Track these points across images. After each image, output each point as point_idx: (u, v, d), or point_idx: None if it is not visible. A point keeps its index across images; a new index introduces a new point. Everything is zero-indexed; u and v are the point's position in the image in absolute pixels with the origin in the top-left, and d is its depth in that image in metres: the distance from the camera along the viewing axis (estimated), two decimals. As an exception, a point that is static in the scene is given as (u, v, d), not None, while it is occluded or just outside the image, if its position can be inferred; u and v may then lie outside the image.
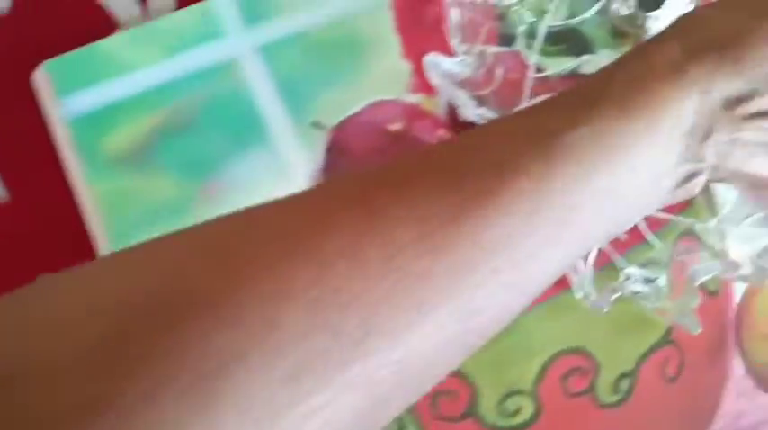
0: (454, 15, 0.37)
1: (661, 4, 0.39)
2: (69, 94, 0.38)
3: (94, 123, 0.38)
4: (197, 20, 0.39)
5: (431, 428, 0.37)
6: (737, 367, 0.38)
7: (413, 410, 0.37)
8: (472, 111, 0.36)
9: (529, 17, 0.39)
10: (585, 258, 0.36)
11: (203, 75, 0.38)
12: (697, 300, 0.35)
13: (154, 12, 0.39)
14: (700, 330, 0.35)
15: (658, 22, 0.39)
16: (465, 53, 0.38)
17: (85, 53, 0.38)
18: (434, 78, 0.36)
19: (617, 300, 0.36)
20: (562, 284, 0.36)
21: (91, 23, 0.39)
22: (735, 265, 0.36)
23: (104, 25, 0.39)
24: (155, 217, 0.37)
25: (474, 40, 0.38)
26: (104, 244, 0.37)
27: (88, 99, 0.38)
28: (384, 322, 0.21)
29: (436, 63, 0.36)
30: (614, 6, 0.39)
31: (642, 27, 0.39)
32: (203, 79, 0.38)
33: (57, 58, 0.38)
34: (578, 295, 0.36)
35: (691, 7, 0.39)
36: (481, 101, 0.38)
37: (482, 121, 0.36)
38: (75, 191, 0.38)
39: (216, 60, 0.38)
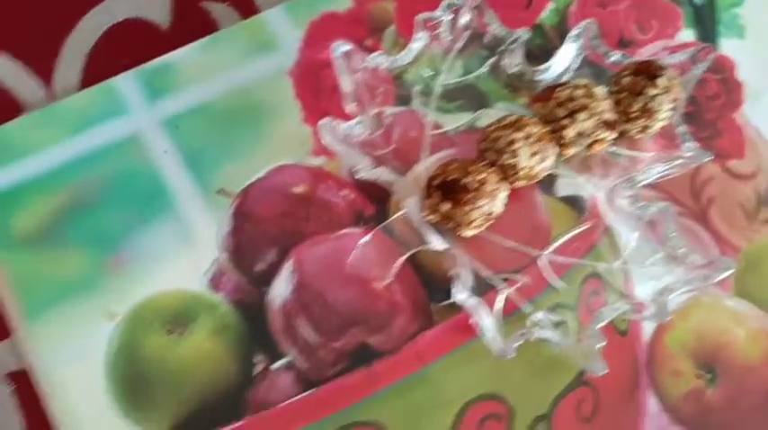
0: (344, 82, 0.38)
1: (548, 57, 0.40)
2: (-23, 177, 0.39)
3: (3, 204, 0.39)
4: (101, 98, 0.40)
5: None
6: (652, 404, 0.38)
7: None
8: (368, 173, 0.36)
9: (423, 77, 0.40)
10: (492, 305, 0.37)
11: (109, 151, 0.39)
12: (602, 343, 0.35)
13: (58, 93, 0.41)
14: (606, 372, 0.35)
15: (548, 73, 0.40)
16: (361, 115, 0.39)
17: (-8, 136, 0.39)
18: (328, 141, 0.37)
19: (529, 344, 0.36)
20: (471, 332, 0.36)
21: (-4, 107, 0.40)
22: (640, 305, 0.37)
23: (10, 108, 0.40)
24: (66, 292, 0.38)
25: (371, 102, 0.40)
26: (20, 322, 0.38)
27: (-4, 181, 0.39)
28: None
29: (331, 127, 0.37)
30: (505, 62, 0.40)
31: (533, 80, 0.40)
32: (109, 155, 0.39)
33: (-37, 143, 0.39)
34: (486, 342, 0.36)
35: (578, 59, 0.40)
36: (380, 160, 0.39)
37: (381, 182, 0.37)
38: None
39: (121, 136, 0.39)
